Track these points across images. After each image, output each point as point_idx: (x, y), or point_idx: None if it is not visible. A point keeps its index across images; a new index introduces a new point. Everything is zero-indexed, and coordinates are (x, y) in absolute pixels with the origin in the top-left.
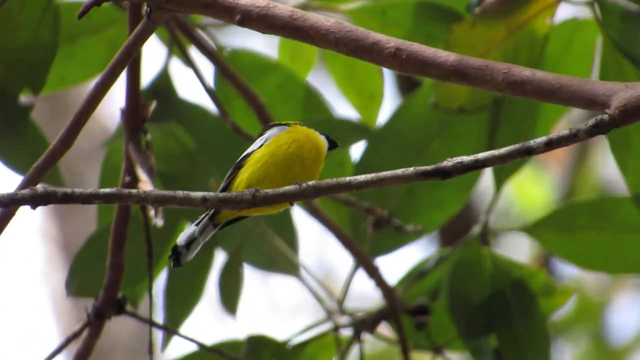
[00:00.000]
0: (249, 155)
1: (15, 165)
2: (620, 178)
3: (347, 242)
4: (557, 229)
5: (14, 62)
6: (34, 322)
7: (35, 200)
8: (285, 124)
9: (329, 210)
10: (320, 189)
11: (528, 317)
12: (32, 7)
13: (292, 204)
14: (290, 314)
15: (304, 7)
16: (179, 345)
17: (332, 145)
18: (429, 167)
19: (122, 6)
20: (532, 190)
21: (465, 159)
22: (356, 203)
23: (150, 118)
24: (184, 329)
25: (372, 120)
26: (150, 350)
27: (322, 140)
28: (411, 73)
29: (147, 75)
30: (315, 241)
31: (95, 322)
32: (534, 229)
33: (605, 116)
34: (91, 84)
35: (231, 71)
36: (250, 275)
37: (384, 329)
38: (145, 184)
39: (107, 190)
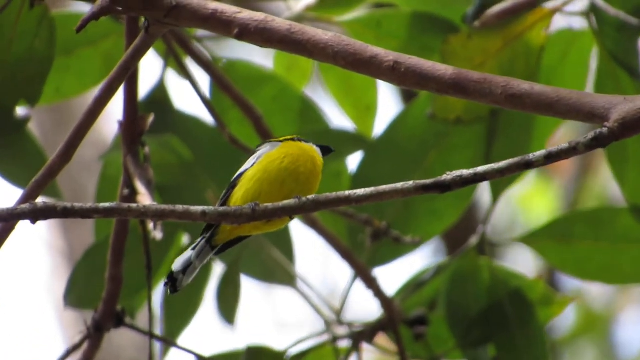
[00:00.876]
0: (242, 174)
1: (11, 177)
2: None
3: (346, 254)
4: (554, 239)
5: (10, 75)
6: (39, 332)
7: (35, 215)
8: (278, 141)
9: (326, 222)
10: (320, 202)
11: (526, 326)
12: (27, 19)
13: (291, 218)
14: (289, 325)
15: (299, 18)
16: (178, 357)
17: (326, 151)
18: (428, 181)
19: (118, 19)
20: (537, 202)
21: (465, 172)
22: (354, 215)
23: (147, 130)
24: (185, 339)
25: (368, 131)
26: None
27: (318, 153)
28: (410, 86)
29: (144, 86)
30: (319, 257)
31: (94, 335)
32: (531, 239)
33: (605, 129)
34: (88, 95)
35: (228, 83)
36: (250, 287)
37: (382, 339)
38: (144, 197)
39: (106, 204)
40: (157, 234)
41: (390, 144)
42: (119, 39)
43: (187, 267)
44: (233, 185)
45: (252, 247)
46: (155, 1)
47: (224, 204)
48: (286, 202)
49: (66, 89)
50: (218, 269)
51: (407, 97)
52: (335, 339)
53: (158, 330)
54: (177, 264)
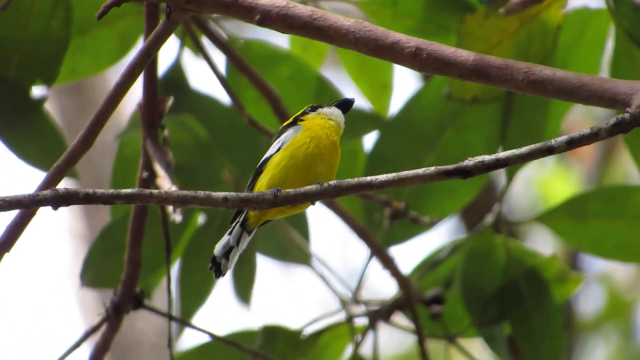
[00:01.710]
0: (267, 159)
1: (29, 158)
2: None
3: (362, 233)
4: (570, 217)
5: (26, 55)
6: (61, 317)
7: (57, 201)
8: (299, 122)
9: (343, 201)
10: (342, 188)
11: (541, 304)
12: (43, 0)
13: (313, 203)
14: (305, 304)
15: None
16: (195, 336)
17: (344, 106)
18: (450, 167)
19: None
20: (559, 187)
21: (487, 158)
22: (373, 196)
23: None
24: (201, 318)
25: (384, 110)
26: (170, 344)
27: (337, 117)
28: (431, 72)
29: (160, 66)
30: (336, 236)
31: (113, 317)
32: (547, 218)
33: (627, 115)
34: (109, 78)
35: (245, 63)
36: (266, 266)
37: (399, 318)
38: (163, 180)
39: (128, 190)
40: (177, 217)
41: (406, 123)
42: (135, 19)
43: (228, 251)
44: (259, 172)
45: (268, 226)
46: None
47: (251, 190)
48: (308, 187)
49: (82, 68)
50: None
51: (427, 75)
52: (351, 317)
53: (174, 308)
54: (218, 249)
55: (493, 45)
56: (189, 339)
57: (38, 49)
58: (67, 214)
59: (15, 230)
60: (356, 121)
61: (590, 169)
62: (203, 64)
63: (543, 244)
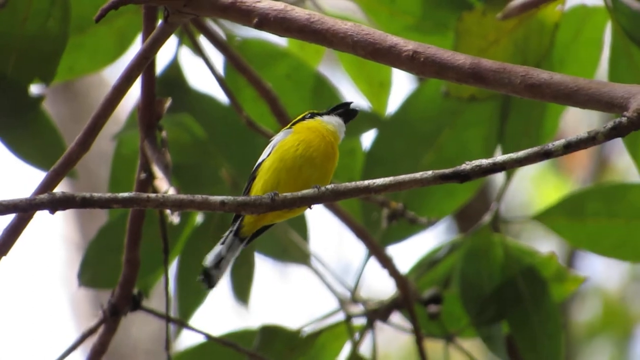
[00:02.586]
0: (259, 165)
1: (26, 156)
2: None
3: (360, 232)
4: (568, 216)
5: (24, 53)
6: (53, 324)
7: (54, 205)
8: (290, 127)
9: (341, 201)
10: (339, 192)
11: (539, 304)
12: None
13: (310, 207)
14: (304, 304)
15: None
16: (192, 337)
17: (346, 115)
18: (447, 171)
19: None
20: (551, 186)
21: (484, 162)
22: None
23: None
24: (199, 319)
25: (382, 109)
26: (167, 347)
27: (335, 126)
28: (429, 76)
29: (158, 65)
30: (334, 236)
31: (111, 319)
32: (545, 217)
33: (624, 119)
34: (105, 85)
35: (243, 63)
36: (264, 266)
37: (397, 318)
38: (161, 182)
39: (125, 194)
40: (175, 219)
41: (404, 121)
42: (133, 17)
43: (219, 261)
44: (253, 177)
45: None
46: None
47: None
48: (305, 191)
49: (80, 67)
50: None
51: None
52: (349, 317)
53: (172, 311)
54: (209, 260)
55: (491, 43)
56: (186, 340)
57: (36, 47)
58: (61, 221)
59: (13, 233)
60: (354, 120)
61: (586, 176)
62: (201, 62)
63: (538, 243)
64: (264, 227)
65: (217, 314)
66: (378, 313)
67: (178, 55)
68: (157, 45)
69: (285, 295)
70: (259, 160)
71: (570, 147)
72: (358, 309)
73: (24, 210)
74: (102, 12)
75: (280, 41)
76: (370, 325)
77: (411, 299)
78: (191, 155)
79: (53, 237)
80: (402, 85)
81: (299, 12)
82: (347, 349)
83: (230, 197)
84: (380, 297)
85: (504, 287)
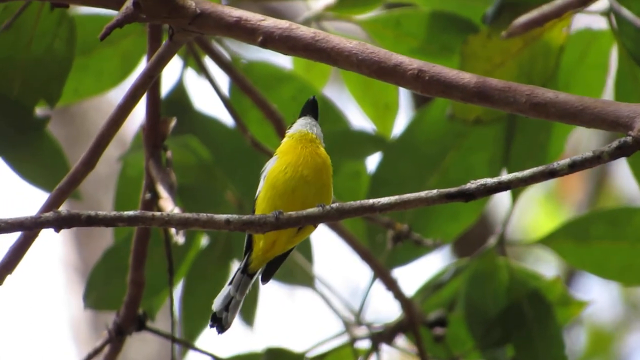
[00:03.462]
0: (256, 198)
1: (30, 178)
2: None
3: (365, 255)
4: (573, 239)
5: (30, 75)
6: (53, 347)
7: (59, 223)
8: (275, 154)
9: (346, 223)
10: (344, 211)
11: (544, 327)
12: (46, 19)
13: (315, 226)
14: (309, 326)
15: (318, 17)
16: (198, 359)
17: (310, 109)
18: (452, 190)
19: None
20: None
21: (489, 181)
22: (376, 218)
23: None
24: (204, 340)
25: (388, 132)
26: None
27: (306, 130)
28: (434, 95)
29: (163, 86)
30: (339, 258)
31: (116, 338)
32: (550, 240)
33: (629, 138)
34: (107, 100)
35: (248, 84)
36: (269, 288)
37: (401, 341)
38: (166, 201)
39: (130, 213)
40: (180, 239)
41: (409, 144)
42: (139, 39)
43: (228, 303)
44: (253, 211)
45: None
46: (180, 9)
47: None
48: (310, 210)
49: (85, 89)
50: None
51: (419, 98)
52: (354, 340)
53: (177, 333)
54: (216, 304)
55: (496, 66)
56: None
57: (41, 69)
58: (60, 244)
59: (18, 252)
60: (359, 142)
61: (580, 198)
62: (206, 84)
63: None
64: (273, 262)
65: (223, 336)
66: (383, 336)
67: (183, 77)
68: (162, 64)
69: (290, 318)
70: (256, 193)
71: (576, 166)
72: (363, 331)
73: (29, 229)
74: (107, 30)
75: (286, 64)
76: (375, 348)
77: (416, 321)
78: (196, 177)
79: (52, 260)
80: (407, 107)
81: (304, 31)
82: None
83: (235, 216)
84: (387, 320)
85: (509, 311)
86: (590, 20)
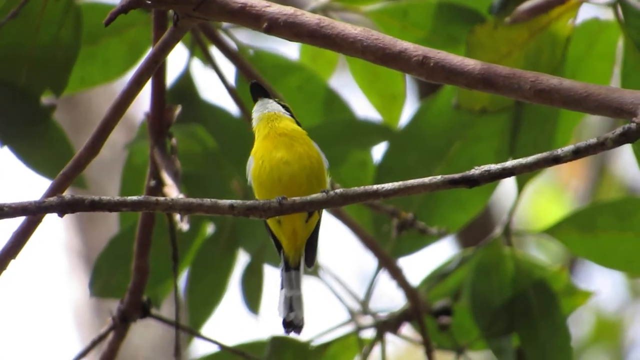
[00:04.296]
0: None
1: (36, 166)
2: None
3: (370, 243)
4: (578, 229)
5: (36, 64)
6: (55, 333)
7: (63, 208)
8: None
9: (351, 212)
10: (348, 197)
11: (550, 317)
12: (53, 8)
13: (320, 212)
14: (314, 315)
15: (325, 8)
16: (203, 346)
17: (255, 92)
18: (456, 176)
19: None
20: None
21: (493, 167)
22: (381, 206)
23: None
24: (209, 329)
25: (394, 122)
26: (177, 354)
27: (262, 114)
28: (438, 81)
29: (169, 76)
30: (344, 247)
31: (120, 325)
32: (555, 230)
33: (633, 125)
34: (108, 95)
35: (254, 73)
36: (275, 277)
37: (406, 329)
38: (171, 189)
39: (134, 198)
40: (184, 226)
41: (415, 134)
42: (145, 29)
43: (289, 304)
44: None
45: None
46: None
47: None
48: (314, 196)
49: (91, 78)
50: (243, 259)
51: (424, 89)
52: (359, 329)
53: (182, 319)
54: (280, 312)
55: (502, 56)
56: (195, 351)
57: (48, 58)
58: (63, 229)
59: (22, 237)
60: (365, 132)
61: (585, 187)
62: (212, 74)
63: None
64: (309, 247)
65: (228, 325)
66: (388, 325)
67: (190, 67)
68: (167, 50)
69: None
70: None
71: (580, 152)
72: (368, 320)
73: (33, 213)
74: (111, 15)
75: (292, 53)
76: (380, 337)
77: (421, 310)
78: (202, 166)
79: (54, 245)
80: (413, 97)
81: (309, 17)
82: None
83: (239, 201)
84: (392, 309)
85: (515, 300)
86: (597, 11)
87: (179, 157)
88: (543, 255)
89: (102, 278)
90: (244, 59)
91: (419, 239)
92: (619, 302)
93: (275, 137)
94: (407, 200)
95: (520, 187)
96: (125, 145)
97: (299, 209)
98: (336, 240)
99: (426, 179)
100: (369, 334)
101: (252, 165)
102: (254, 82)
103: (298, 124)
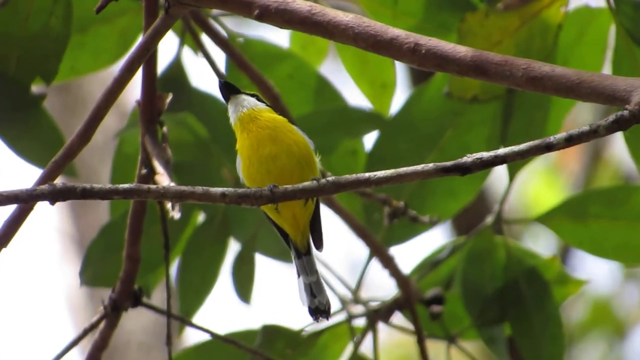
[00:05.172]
0: None
1: (27, 155)
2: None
3: (362, 232)
4: (570, 218)
5: (26, 52)
6: (49, 318)
7: (54, 196)
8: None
9: (342, 200)
10: (340, 184)
11: (542, 306)
12: None
13: (313, 201)
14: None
15: None
16: (194, 335)
17: (223, 91)
18: (448, 163)
19: None
20: (550, 194)
21: (485, 154)
22: (372, 194)
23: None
24: (200, 318)
25: (385, 110)
26: (168, 342)
27: (237, 111)
28: (430, 68)
29: (160, 64)
30: (335, 235)
31: (112, 314)
32: (547, 219)
33: (626, 112)
34: (99, 78)
35: (245, 61)
36: (266, 265)
37: (398, 318)
38: (162, 177)
39: (126, 185)
40: (175, 214)
41: (406, 122)
42: (135, 17)
43: (310, 290)
44: None
45: (267, 226)
46: None
47: None
48: (306, 184)
49: (81, 66)
50: (234, 247)
51: (417, 76)
52: (351, 318)
53: (174, 308)
54: (303, 300)
55: (494, 44)
56: (187, 339)
57: (38, 46)
58: (56, 214)
59: (13, 225)
60: (356, 120)
61: (580, 171)
62: (203, 63)
63: (538, 243)
64: (313, 230)
65: (219, 313)
66: (379, 313)
67: (180, 55)
68: (158, 37)
69: (287, 295)
70: None
71: (572, 140)
72: (360, 309)
73: (24, 201)
74: (102, 2)
75: (282, 42)
76: (371, 326)
77: (413, 299)
78: (193, 154)
79: (48, 230)
80: (403, 86)
81: (300, 4)
82: (349, 349)
83: (231, 189)
84: (383, 297)
85: (506, 289)
86: None
87: (170, 145)
88: (540, 242)
89: (93, 266)
90: (234, 46)
91: (410, 227)
92: (615, 287)
93: (257, 132)
94: (399, 188)
95: (512, 175)
96: (116, 134)
97: (291, 196)
98: (327, 228)
99: (418, 167)
100: (360, 322)
101: (241, 164)
102: (222, 81)
103: (272, 108)
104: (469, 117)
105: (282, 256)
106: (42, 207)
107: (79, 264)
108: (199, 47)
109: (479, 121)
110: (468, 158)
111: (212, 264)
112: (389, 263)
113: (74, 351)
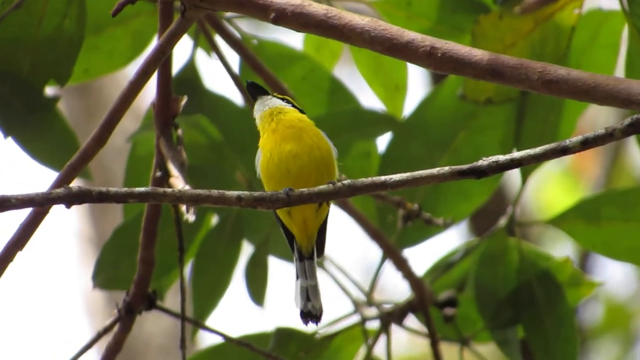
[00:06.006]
0: None
1: (41, 157)
2: None
3: (375, 234)
4: (583, 220)
5: (40, 55)
6: (67, 320)
7: (70, 200)
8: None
9: (356, 202)
10: (356, 188)
11: (555, 308)
12: None
13: (328, 204)
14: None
15: None
16: (208, 338)
17: (252, 91)
18: (464, 167)
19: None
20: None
21: (501, 158)
22: (386, 196)
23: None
24: (214, 320)
25: (398, 112)
26: (182, 345)
27: (267, 109)
28: (446, 72)
29: (174, 65)
30: (349, 238)
31: (126, 317)
32: (560, 221)
33: None
34: (118, 80)
35: (259, 63)
36: (280, 268)
37: (411, 321)
38: (177, 180)
39: (142, 189)
40: (190, 217)
41: (420, 124)
42: (149, 18)
43: (306, 294)
44: None
45: (280, 228)
46: None
47: None
48: (322, 187)
49: (95, 68)
50: (247, 250)
51: (436, 78)
52: (364, 320)
53: (188, 311)
54: (297, 303)
55: (507, 47)
56: (201, 341)
57: (51, 49)
58: (75, 216)
59: (29, 228)
60: (370, 122)
61: (599, 175)
62: (217, 65)
63: (549, 247)
64: (319, 236)
65: (232, 316)
66: (393, 316)
67: (194, 57)
68: (174, 40)
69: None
70: None
71: (588, 143)
72: (373, 311)
73: (40, 205)
74: (118, 6)
75: (296, 43)
76: (384, 328)
77: (426, 301)
78: (206, 157)
79: (66, 232)
80: (417, 88)
81: (316, 7)
82: (362, 351)
83: (246, 193)
84: (397, 300)
85: (519, 291)
86: (602, 1)
87: (184, 147)
88: (559, 246)
89: (106, 270)
90: (248, 48)
91: (424, 229)
92: (630, 290)
93: (282, 130)
94: (412, 190)
95: (525, 177)
96: (129, 137)
97: (307, 200)
98: (341, 230)
99: (434, 170)
100: (374, 325)
101: (261, 158)
102: (250, 82)
103: (302, 112)
104: (482, 119)
105: None
106: (60, 210)
107: None
108: (212, 49)
109: (492, 123)
110: (484, 161)
111: (225, 266)
112: (402, 265)
113: (91, 353)
